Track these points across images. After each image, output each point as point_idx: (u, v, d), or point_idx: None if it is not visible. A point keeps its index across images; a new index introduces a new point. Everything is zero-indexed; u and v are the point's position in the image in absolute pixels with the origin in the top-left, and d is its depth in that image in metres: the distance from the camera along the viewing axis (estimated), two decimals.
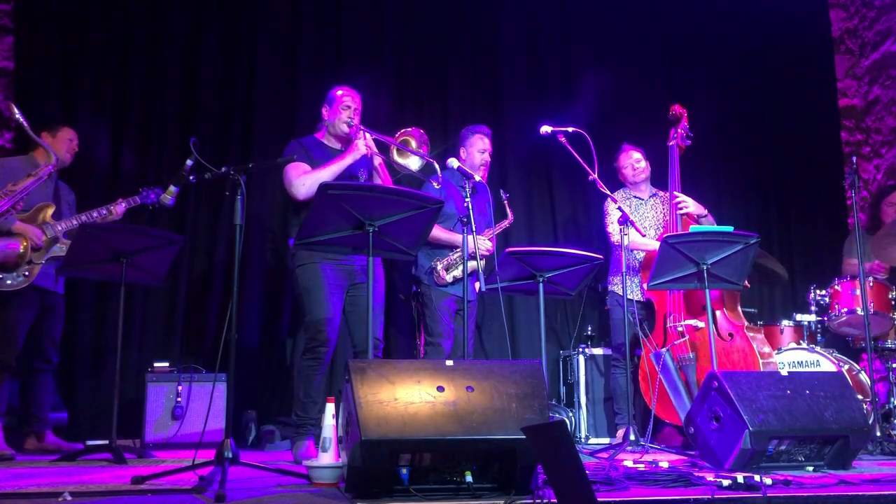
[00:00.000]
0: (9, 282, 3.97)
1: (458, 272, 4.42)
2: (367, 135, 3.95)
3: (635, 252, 4.69)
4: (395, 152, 4.13)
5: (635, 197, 4.84)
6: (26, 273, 4.01)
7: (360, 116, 4.05)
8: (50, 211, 4.20)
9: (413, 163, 4.14)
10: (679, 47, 6.33)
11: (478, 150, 4.62)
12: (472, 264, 4.28)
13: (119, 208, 4.31)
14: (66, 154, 4.37)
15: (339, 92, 4.06)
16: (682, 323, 4.43)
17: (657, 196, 4.87)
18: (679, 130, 4.75)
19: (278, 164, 3.89)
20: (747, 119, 6.38)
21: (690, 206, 4.64)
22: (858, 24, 6.78)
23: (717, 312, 4.41)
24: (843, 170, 6.30)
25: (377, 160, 4.03)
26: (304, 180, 3.82)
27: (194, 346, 4.97)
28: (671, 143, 4.76)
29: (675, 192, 4.66)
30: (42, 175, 4.06)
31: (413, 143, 4.17)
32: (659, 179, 4.92)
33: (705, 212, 4.66)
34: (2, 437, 3.93)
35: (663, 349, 4.41)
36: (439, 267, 4.45)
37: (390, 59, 5.72)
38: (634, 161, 4.83)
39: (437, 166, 3.96)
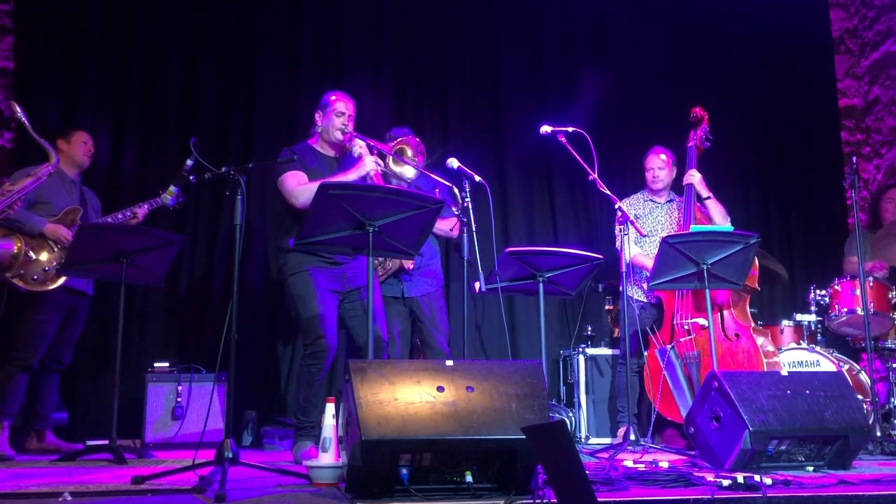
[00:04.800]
0: (35, 277, 3.96)
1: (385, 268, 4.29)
2: (365, 144, 3.84)
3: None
4: (391, 161, 4.06)
5: (651, 200, 4.78)
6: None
7: (354, 122, 3.95)
8: (78, 215, 4.20)
9: (408, 171, 4.06)
10: (679, 47, 6.32)
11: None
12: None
13: (141, 211, 4.31)
14: (84, 157, 4.37)
15: (333, 97, 3.95)
16: (690, 321, 4.42)
17: (674, 202, 4.80)
18: (699, 133, 4.72)
19: (278, 164, 3.86)
20: (747, 119, 6.37)
21: (696, 180, 4.58)
22: (858, 24, 6.77)
23: (725, 312, 4.41)
24: (843, 170, 6.29)
25: (373, 172, 3.85)
26: (303, 191, 3.68)
27: (194, 346, 4.97)
28: (690, 145, 4.73)
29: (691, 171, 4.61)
30: (41, 175, 3.91)
31: (409, 152, 4.09)
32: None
33: (708, 194, 4.59)
34: (6, 437, 3.92)
35: (668, 346, 4.42)
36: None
37: (390, 60, 5.72)
38: (657, 167, 4.72)
39: (456, 192, 3.76)
